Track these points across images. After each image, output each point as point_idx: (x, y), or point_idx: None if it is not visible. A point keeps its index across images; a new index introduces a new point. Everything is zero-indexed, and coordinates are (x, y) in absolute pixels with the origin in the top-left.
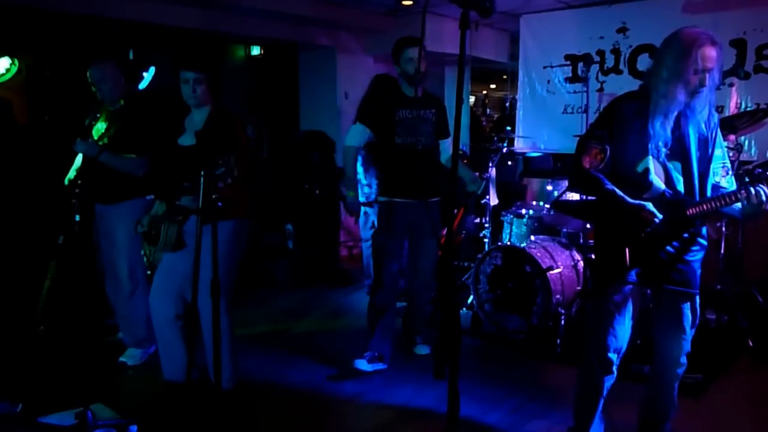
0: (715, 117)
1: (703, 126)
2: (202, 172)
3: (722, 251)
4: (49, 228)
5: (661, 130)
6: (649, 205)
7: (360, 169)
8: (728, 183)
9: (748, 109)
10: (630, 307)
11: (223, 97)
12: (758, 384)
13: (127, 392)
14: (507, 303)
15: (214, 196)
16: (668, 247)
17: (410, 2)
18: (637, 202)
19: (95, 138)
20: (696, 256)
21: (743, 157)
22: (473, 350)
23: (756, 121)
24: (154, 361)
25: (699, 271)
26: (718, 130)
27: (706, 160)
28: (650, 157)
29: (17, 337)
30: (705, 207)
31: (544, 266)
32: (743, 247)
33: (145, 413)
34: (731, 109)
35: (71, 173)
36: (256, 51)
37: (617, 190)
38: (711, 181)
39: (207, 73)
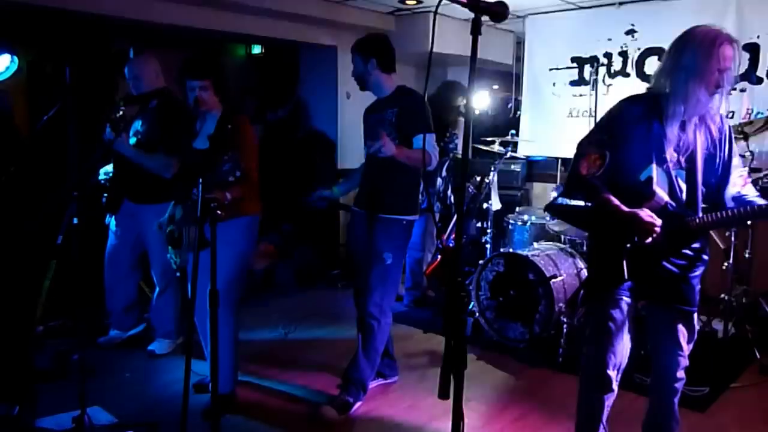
0: (726, 122)
1: (714, 129)
2: (200, 179)
3: (730, 261)
4: (48, 227)
5: (675, 137)
6: (646, 212)
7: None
8: (748, 191)
9: (760, 115)
10: (627, 322)
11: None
12: (766, 396)
13: (125, 396)
14: (509, 310)
15: (213, 205)
16: (665, 263)
17: (414, 1)
18: (632, 210)
19: (131, 134)
20: (696, 272)
21: (753, 164)
22: (473, 358)
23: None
24: (152, 364)
25: (698, 287)
26: (733, 137)
27: (713, 169)
28: (654, 165)
29: (15, 338)
30: (710, 222)
31: (548, 274)
32: (752, 257)
33: (142, 417)
34: (742, 115)
35: (108, 170)
36: (257, 50)
37: (613, 198)
38: (731, 192)
39: (212, 78)
